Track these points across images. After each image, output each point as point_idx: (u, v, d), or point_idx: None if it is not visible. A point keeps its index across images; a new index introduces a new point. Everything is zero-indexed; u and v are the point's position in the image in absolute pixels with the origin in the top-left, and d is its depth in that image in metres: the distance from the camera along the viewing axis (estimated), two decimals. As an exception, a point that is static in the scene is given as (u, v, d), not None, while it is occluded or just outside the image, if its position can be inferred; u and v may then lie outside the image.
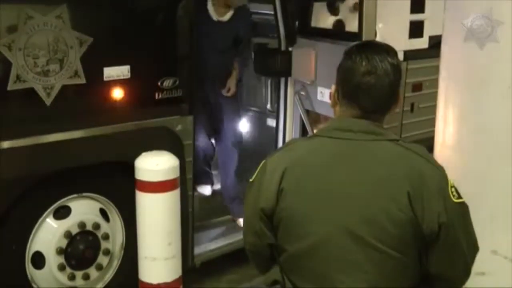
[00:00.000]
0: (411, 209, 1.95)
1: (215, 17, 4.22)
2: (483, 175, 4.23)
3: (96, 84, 3.66)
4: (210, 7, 4.25)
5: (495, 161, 4.18)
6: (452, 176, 2.11)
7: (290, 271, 2.12)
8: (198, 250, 4.48)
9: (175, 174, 3.33)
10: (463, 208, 2.05)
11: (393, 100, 2.10)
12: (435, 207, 1.96)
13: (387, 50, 2.09)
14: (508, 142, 4.05)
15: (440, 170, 2.06)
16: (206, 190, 5.47)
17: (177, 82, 3.99)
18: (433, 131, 4.68)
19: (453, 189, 2.02)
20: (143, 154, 3.43)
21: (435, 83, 4.91)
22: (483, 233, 3.90)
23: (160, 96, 3.94)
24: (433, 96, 4.92)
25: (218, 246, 4.71)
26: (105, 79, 3.68)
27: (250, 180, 2.21)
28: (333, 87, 2.14)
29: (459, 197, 2.03)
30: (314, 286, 2.05)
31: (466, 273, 2.14)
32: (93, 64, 3.60)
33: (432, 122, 4.83)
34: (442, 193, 1.99)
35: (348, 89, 2.08)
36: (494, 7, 3.75)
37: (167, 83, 3.95)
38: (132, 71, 3.76)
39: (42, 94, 3.44)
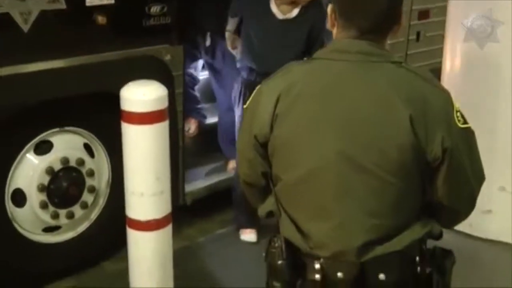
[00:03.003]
0: (414, 133, 1.94)
1: (279, 15, 4.09)
2: (492, 106, 4.25)
3: (78, 9, 3.61)
4: (273, 5, 4.13)
5: (505, 92, 4.20)
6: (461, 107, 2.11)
7: (285, 201, 2.13)
8: (189, 187, 4.50)
9: (163, 104, 3.30)
10: (469, 134, 2.05)
11: (393, 20, 2.06)
12: (439, 131, 1.96)
13: None
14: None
15: (445, 93, 2.04)
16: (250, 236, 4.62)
17: (166, 9, 3.96)
18: (440, 62, 4.68)
19: (458, 114, 2.01)
20: (130, 83, 3.39)
21: (443, 11, 4.89)
22: (491, 167, 3.93)
23: (147, 23, 3.90)
24: (441, 25, 4.91)
25: (211, 183, 4.73)
26: (87, 4, 3.63)
27: (245, 106, 2.21)
28: (330, 6, 2.11)
29: (465, 122, 2.02)
30: (310, 215, 2.06)
31: (471, 203, 2.14)
32: (74, -13, 3.54)
33: (439, 52, 4.82)
34: (446, 117, 1.98)
35: (343, 7, 2.06)
36: (494, 7, 3.94)
37: (155, 9, 3.92)
38: (116, -5, 3.70)
39: (18, 20, 3.39)
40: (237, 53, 4.49)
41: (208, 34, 4.93)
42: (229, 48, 4.57)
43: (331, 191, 2.01)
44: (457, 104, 2.04)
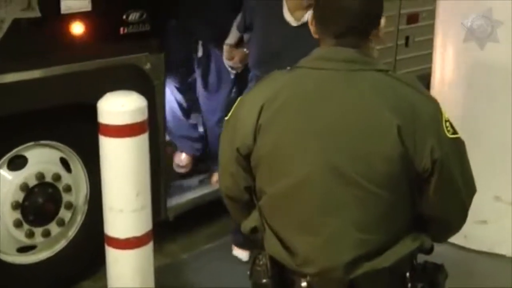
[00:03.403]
0: (402, 143, 1.93)
1: (294, 23, 4.07)
2: (483, 113, 4.24)
3: (53, 17, 3.58)
4: (286, 14, 4.10)
5: (496, 99, 4.19)
6: (451, 115, 2.10)
7: (270, 216, 2.12)
8: (171, 201, 4.45)
9: (142, 116, 3.28)
10: (459, 144, 2.05)
11: (369, 23, 2.05)
12: (428, 142, 1.95)
13: None
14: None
15: (433, 103, 2.05)
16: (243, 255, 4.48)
17: (145, 15, 3.92)
18: (430, 68, 4.68)
19: (447, 123, 2.01)
20: (107, 94, 3.35)
21: (432, 14, 4.89)
22: (485, 177, 3.94)
23: (125, 30, 3.87)
24: (430, 29, 4.91)
25: (194, 197, 4.67)
26: (62, 11, 3.59)
27: (226, 118, 2.19)
28: (311, 14, 2.13)
29: (454, 132, 2.03)
30: (296, 230, 2.05)
31: (463, 216, 2.14)
32: (48, -6, 3.51)
33: (429, 57, 4.81)
34: (435, 127, 1.98)
35: (317, 13, 2.08)
36: (494, 7, 4.03)
37: (134, 16, 3.88)
38: (93, 2, 3.67)
39: (-10, 28, 3.35)
40: (234, 63, 4.47)
41: (200, 43, 4.74)
42: (225, 60, 4.51)
43: (317, 205, 2.00)
44: (446, 114, 2.04)
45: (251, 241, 3.83)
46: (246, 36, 4.40)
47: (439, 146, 1.96)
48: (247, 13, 4.23)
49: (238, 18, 4.38)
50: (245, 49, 4.43)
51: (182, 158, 4.93)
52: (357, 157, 1.95)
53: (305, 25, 4.13)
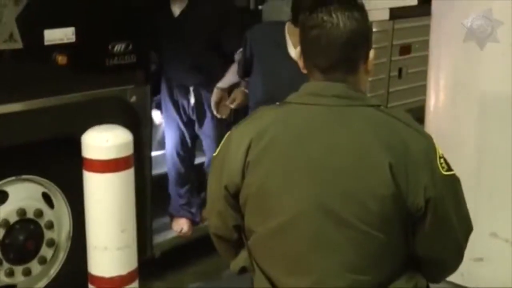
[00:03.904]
0: (394, 182, 1.92)
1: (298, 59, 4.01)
2: (480, 147, 4.24)
3: (36, 49, 3.58)
4: (291, 50, 4.07)
5: (493, 132, 4.19)
6: (446, 150, 2.09)
7: (259, 255, 2.10)
8: (158, 238, 4.44)
9: (128, 151, 3.28)
10: (454, 182, 2.04)
11: (356, 58, 2.04)
12: (421, 180, 1.94)
13: (348, 1, 2.06)
14: (508, 110, 4.09)
15: (426, 138, 2.03)
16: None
17: (130, 47, 3.94)
18: (424, 100, 4.69)
19: (442, 160, 2.00)
20: (92, 128, 3.35)
21: (425, 45, 4.92)
22: (481, 213, 3.97)
23: (110, 62, 3.88)
24: (424, 60, 4.93)
25: (181, 233, 4.66)
26: (46, 43, 3.60)
27: (214, 154, 2.19)
28: (298, 48, 2.13)
29: (449, 169, 2.01)
30: (286, 270, 2.03)
31: (458, 256, 2.12)
32: (31, 25, 3.52)
33: (422, 89, 4.83)
34: (429, 164, 1.97)
35: (304, 47, 2.08)
36: (494, 7, 4.04)
37: (119, 47, 3.90)
38: (77, 33, 3.68)
39: (-29, 60, 3.35)
40: (237, 105, 4.34)
41: (192, 89, 4.61)
42: (213, 106, 4.41)
43: (308, 244, 1.98)
44: (440, 150, 2.03)
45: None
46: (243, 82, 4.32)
47: (433, 184, 1.95)
48: (248, 46, 4.07)
49: (234, 66, 4.31)
50: (243, 89, 4.35)
51: (183, 226, 4.74)
52: (348, 196, 1.94)
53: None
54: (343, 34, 1.99)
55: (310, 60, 2.06)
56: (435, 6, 4.42)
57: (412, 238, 2.01)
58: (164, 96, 4.72)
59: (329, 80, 2.02)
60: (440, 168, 1.98)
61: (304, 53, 2.08)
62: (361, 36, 2.03)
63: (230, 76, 4.37)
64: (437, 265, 2.10)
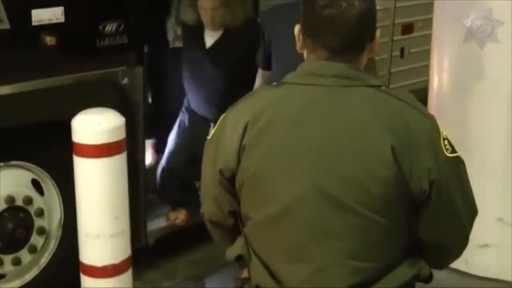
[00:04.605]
0: (396, 165, 1.93)
1: None
2: (485, 128, 4.26)
3: (24, 30, 3.58)
4: None
5: (498, 111, 4.22)
6: (449, 132, 2.10)
7: (256, 242, 2.11)
8: (151, 225, 4.44)
9: (120, 135, 3.27)
10: (458, 164, 2.05)
11: (365, 38, 2.06)
12: (424, 162, 1.95)
13: None
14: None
15: (430, 119, 2.04)
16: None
17: (122, 27, 3.92)
18: (427, 80, 4.70)
19: (446, 142, 2.01)
20: (82, 112, 3.35)
21: (428, 24, 4.92)
22: (487, 197, 3.98)
23: (101, 43, 3.86)
24: (427, 39, 4.93)
25: (176, 220, 4.66)
26: (34, 23, 3.58)
27: (208, 138, 2.19)
28: (297, 27, 2.12)
29: (453, 151, 2.02)
30: (285, 258, 2.04)
31: (463, 240, 2.14)
32: (18, 5, 3.51)
33: (425, 69, 4.84)
34: (432, 146, 1.98)
35: (309, 26, 2.07)
36: (494, 7, 4.16)
37: (110, 27, 3.88)
38: (66, 13, 3.67)
39: (-44, 42, 3.35)
40: None
41: (212, 125, 4.39)
42: None
43: (307, 231, 1.99)
44: (444, 131, 2.03)
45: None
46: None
47: (436, 166, 1.96)
48: (263, 33, 4.05)
49: (259, 72, 4.21)
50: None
51: (179, 214, 4.71)
52: (348, 180, 1.95)
53: None
54: (355, 14, 1.99)
55: (318, 40, 2.05)
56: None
57: (415, 223, 2.02)
58: (182, 126, 4.68)
59: (335, 61, 2.02)
60: (444, 150, 1.99)
61: (309, 32, 2.07)
62: (371, 15, 2.05)
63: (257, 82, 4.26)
64: (441, 250, 2.11)
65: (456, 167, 2.03)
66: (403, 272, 2.04)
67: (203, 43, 4.54)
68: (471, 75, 4.28)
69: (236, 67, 4.51)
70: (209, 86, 4.54)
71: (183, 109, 4.73)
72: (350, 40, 2.02)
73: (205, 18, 4.46)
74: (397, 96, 2.02)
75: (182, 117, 4.73)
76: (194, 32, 4.57)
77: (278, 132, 2.01)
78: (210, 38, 4.54)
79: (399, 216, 2.00)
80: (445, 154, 1.99)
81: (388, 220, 1.97)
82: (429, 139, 1.98)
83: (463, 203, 2.05)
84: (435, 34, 4.54)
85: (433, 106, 4.44)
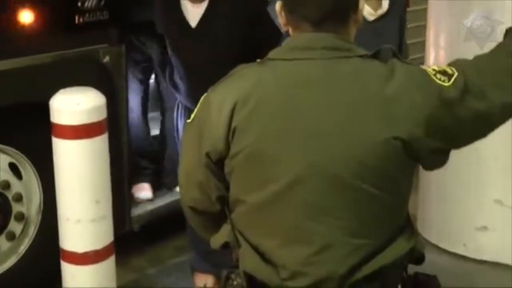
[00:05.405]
0: (396, 124, 1.93)
1: (369, 16, 3.75)
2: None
3: (-2, 5, 3.55)
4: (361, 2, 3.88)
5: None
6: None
7: (248, 228, 2.10)
8: (136, 210, 4.43)
9: (101, 115, 3.27)
10: (461, 80, 2.04)
11: (346, 6, 2.05)
12: (434, 115, 1.96)
13: None
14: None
15: (417, 67, 2.06)
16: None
17: (103, 2, 3.91)
18: (423, 57, 4.70)
19: (438, 75, 2.02)
20: (61, 91, 3.33)
21: (424, -1, 4.91)
22: (486, 179, 3.98)
23: (81, 19, 3.86)
24: (423, 14, 4.92)
25: (162, 204, 4.65)
26: (9, -2, 3.58)
27: (188, 120, 2.16)
28: (278, 3, 2.11)
29: (449, 77, 2.03)
30: (282, 241, 2.03)
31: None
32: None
33: (421, 46, 4.83)
34: (434, 95, 1.98)
35: (287, 1, 2.07)
36: (494, 7, 4.31)
37: (90, 3, 3.88)
38: (43, -13, 3.66)
39: None
40: None
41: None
42: None
43: (307, 211, 1.99)
44: (434, 67, 2.06)
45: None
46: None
47: (447, 109, 1.97)
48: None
49: None
50: None
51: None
52: (346, 156, 1.95)
53: (382, 17, 3.96)
54: None
55: (298, 12, 2.04)
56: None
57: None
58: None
59: (319, 32, 2.01)
60: (444, 85, 1.99)
61: (289, 6, 2.07)
62: None
63: None
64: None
65: (461, 83, 2.03)
66: (401, 246, 2.06)
67: (186, 22, 3.88)
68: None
69: (234, 45, 3.82)
70: (206, 75, 3.75)
71: (177, 108, 4.20)
72: (332, 8, 2.02)
73: None
74: (387, 60, 2.02)
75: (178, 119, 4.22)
76: (173, 8, 3.92)
77: (270, 111, 1.99)
78: (193, 16, 3.87)
79: (399, 186, 2.02)
80: (446, 85, 2.00)
81: (389, 194, 1.99)
82: (427, 92, 1.97)
83: (492, 89, 2.09)
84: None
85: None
